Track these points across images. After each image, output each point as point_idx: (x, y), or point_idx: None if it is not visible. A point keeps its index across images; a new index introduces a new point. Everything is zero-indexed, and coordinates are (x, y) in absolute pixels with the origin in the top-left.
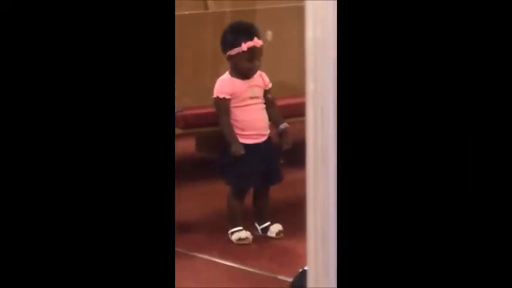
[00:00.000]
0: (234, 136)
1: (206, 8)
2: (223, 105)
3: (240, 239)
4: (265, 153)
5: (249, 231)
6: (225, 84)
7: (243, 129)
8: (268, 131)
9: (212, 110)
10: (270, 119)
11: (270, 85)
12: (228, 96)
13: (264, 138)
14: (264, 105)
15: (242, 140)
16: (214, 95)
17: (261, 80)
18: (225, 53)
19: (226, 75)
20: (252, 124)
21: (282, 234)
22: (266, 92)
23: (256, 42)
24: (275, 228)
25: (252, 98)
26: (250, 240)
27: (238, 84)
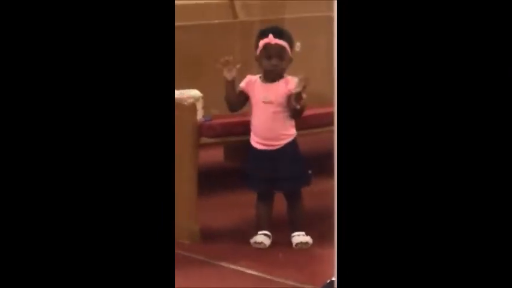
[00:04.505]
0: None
1: (235, 16)
2: (237, 92)
3: (255, 243)
4: (274, 161)
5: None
6: (246, 79)
7: (253, 133)
8: (282, 141)
9: (240, 119)
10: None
11: (298, 89)
12: (242, 88)
13: (275, 147)
14: (284, 114)
15: (252, 144)
16: None
17: (284, 85)
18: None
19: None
20: (258, 130)
21: (304, 246)
22: (290, 97)
23: (270, 39)
24: (296, 240)
25: (265, 102)
26: (266, 245)
27: (257, 84)
